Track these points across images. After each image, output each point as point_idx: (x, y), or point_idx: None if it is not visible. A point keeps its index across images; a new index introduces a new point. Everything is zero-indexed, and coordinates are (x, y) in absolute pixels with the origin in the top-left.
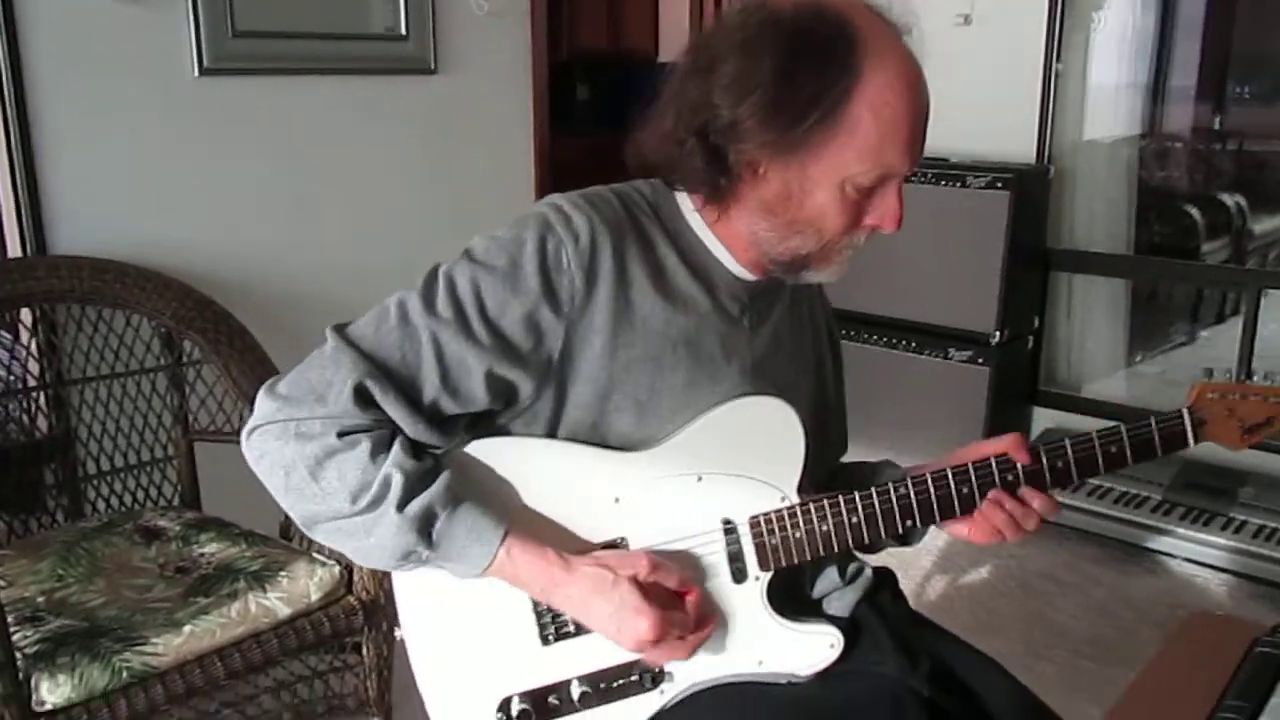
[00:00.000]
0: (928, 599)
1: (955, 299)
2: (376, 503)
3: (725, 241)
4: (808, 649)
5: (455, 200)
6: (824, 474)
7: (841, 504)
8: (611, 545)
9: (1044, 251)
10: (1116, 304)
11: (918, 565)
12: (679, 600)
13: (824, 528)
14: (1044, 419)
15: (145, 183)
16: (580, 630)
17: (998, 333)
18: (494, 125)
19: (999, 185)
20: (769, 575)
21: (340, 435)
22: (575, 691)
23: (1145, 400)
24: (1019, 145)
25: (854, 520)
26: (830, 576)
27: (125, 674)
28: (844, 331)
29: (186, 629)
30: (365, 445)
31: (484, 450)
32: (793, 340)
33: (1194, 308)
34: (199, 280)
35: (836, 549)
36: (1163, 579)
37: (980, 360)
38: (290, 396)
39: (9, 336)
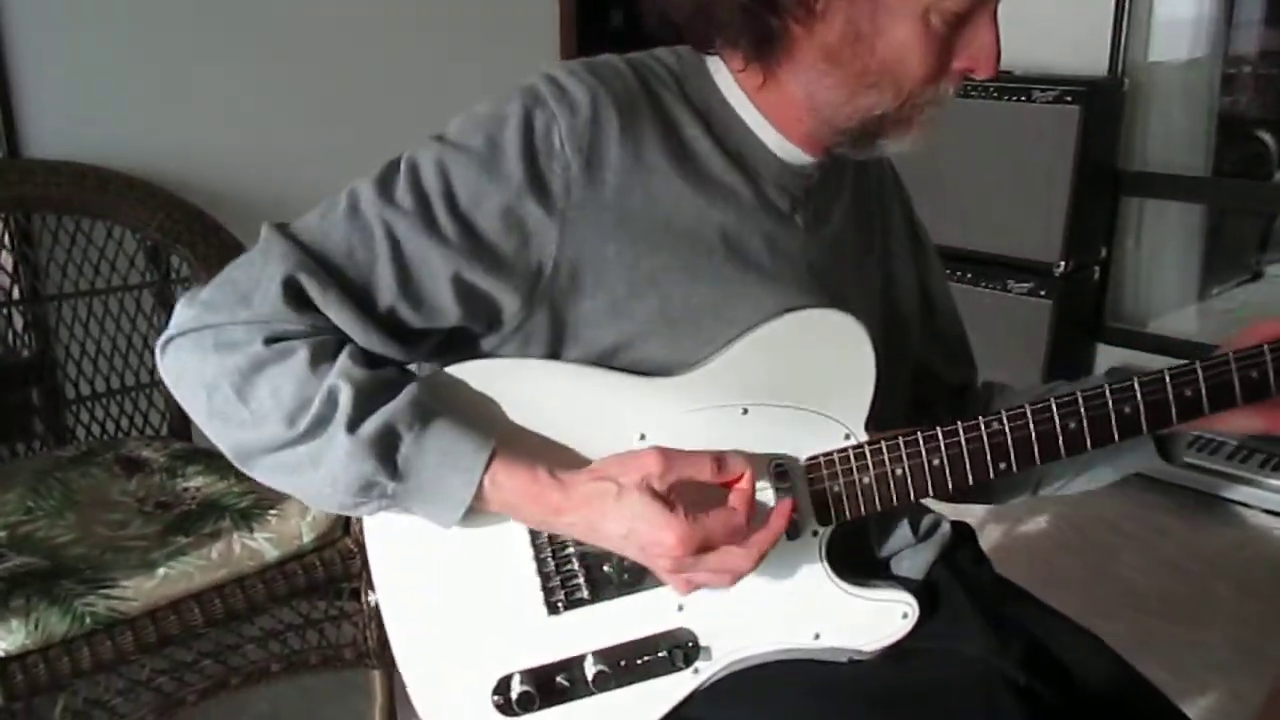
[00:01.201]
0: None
1: (1016, 226)
2: (320, 423)
3: (771, 115)
4: (875, 619)
5: None
6: (906, 408)
7: (921, 442)
8: None
9: (1115, 174)
10: (1190, 233)
11: (970, 514)
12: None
13: (898, 471)
14: (1109, 357)
15: (129, 79)
16: (597, 596)
17: (1062, 263)
18: (518, 45)
19: (1068, 100)
20: (829, 530)
21: (268, 342)
22: (590, 670)
23: (1219, 338)
24: (1089, 58)
25: (935, 463)
26: (900, 532)
27: (88, 619)
28: None
29: (160, 571)
30: (302, 353)
31: (467, 373)
32: (859, 244)
33: (1263, 238)
34: (189, 189)
35: (914, 497)
36: (1238, 531)
37: (1042, 293)
38: (210, 301)
39: None
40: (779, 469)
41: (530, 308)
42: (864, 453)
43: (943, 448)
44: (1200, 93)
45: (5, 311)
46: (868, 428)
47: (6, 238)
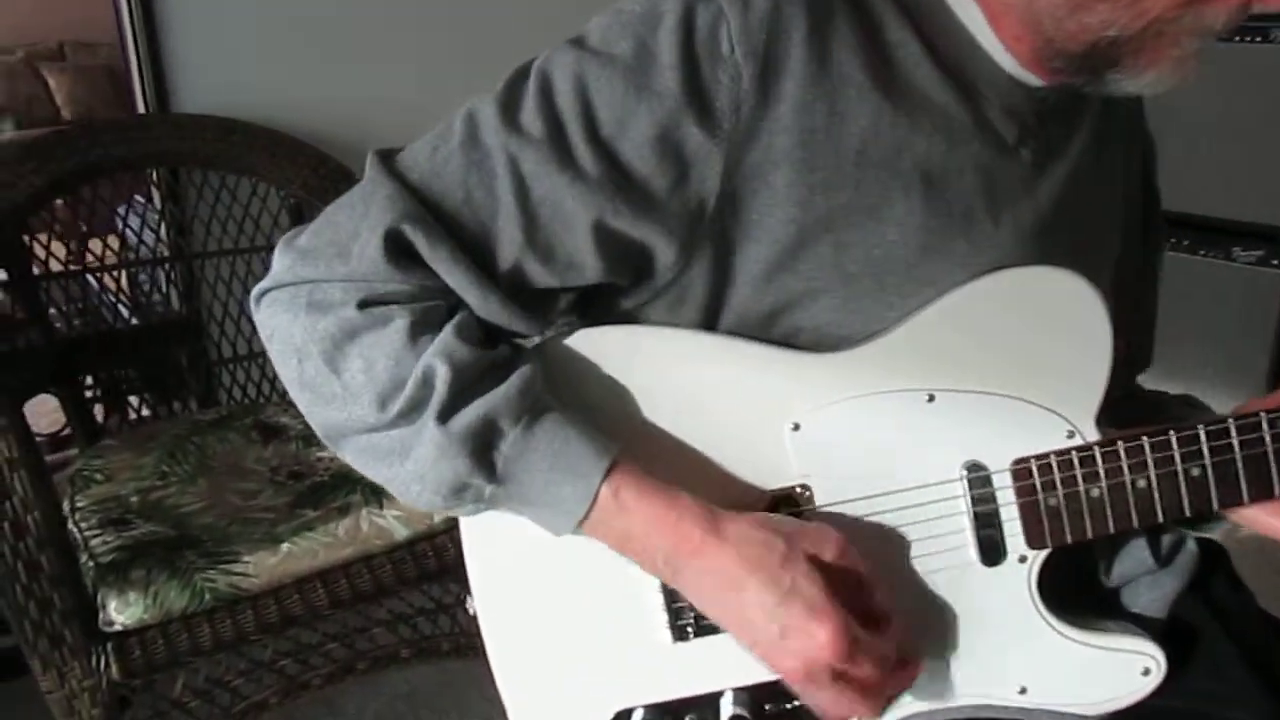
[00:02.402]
0: None
1: (1242, 184)
2: (414, 409)
3: (997, 24)
4: (1104, 674)
5: None
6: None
7: (1176, 444)
8: (785, 500)
9: None
10: None
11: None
12: (873, 618)
13: (1140, 483)
14: None
15: (277, 33)
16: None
17: None
18: None
19: None
20: (1041, 556)
21: (364, 305)
22: (726, 711)
23: None
24: None
25: (1195, 473)
26: (1135, 554)
27: (208, 595)
28: None
29: (284, 547)
30: (400, 321)
31: (589, 342)
32: (1098, 194)
33: None
34: (336, 147)
35: (1163, 518)
36: None
37: (1274, 262)
38: (308, 250)
39: (141, 201)
40: (976, 473)
41: (688, 256)
42: (1093, 456)
43: (1206, 453)
44: None
45: (155, 270)
46: (1099, 424)
47: (155, 194)
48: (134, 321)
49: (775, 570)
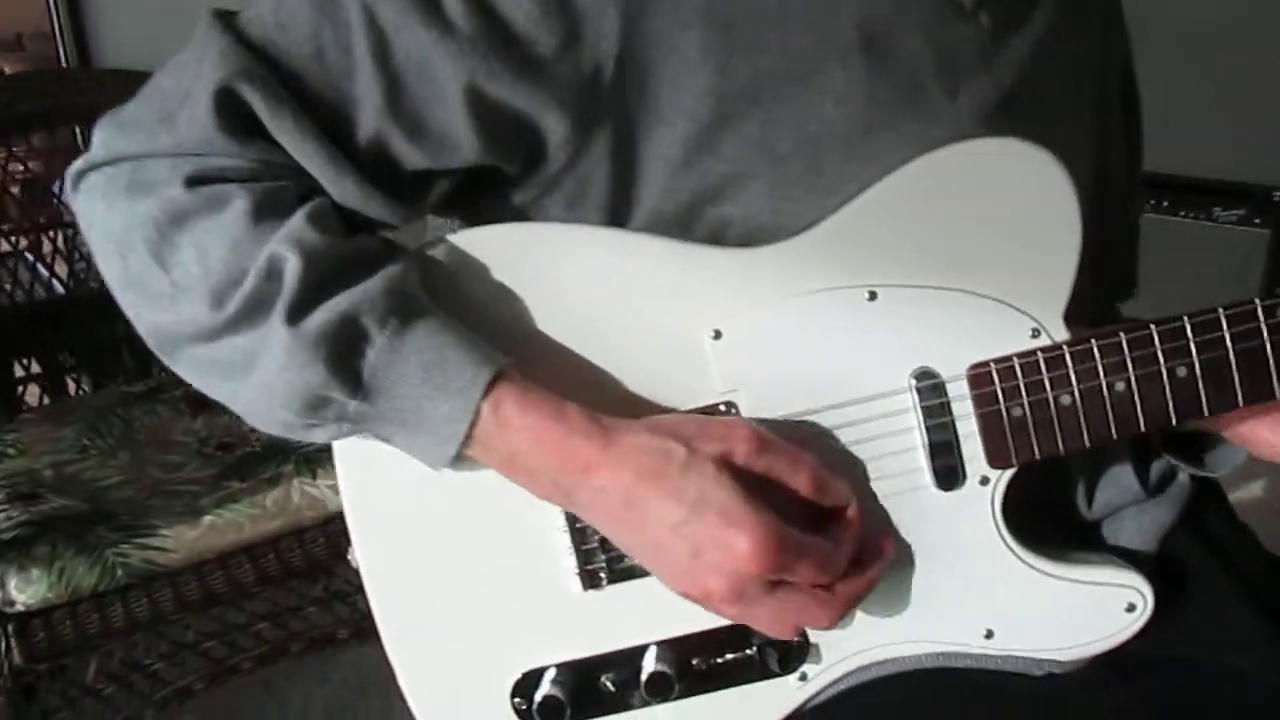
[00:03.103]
0: None
1: (1223, 140)
2: (255, 307)
3: None
4: (1083, 612)
5: None
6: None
7: (1156, 339)
8: (709, 414)
9: None
10: None
11: None
12: (820, 517)
13: (1119, 386)
14: None
15: None
16: None
17: None
18: None
19: None
20: (1006, 477)
21: (191, 183)
22: (647, 668)
23: None
24: None
25: (1181, 373)
26: (1120, 481)
27: (120, 571)
28: None
29: (206, 520)
30: (240, 203)
31: (476, 243)
32: (1071, 70)
33: None
34: None
35: (1146, 426)
36: None
37: (1256, 221)
38: (129, 121)
39: None
40: (926, 380)
41: (584, 136)
42: (1063, 357)
43: (1193, 349)
44: None
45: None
46: (1068, 322)
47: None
48: (65, 293)
49: (676, 480)
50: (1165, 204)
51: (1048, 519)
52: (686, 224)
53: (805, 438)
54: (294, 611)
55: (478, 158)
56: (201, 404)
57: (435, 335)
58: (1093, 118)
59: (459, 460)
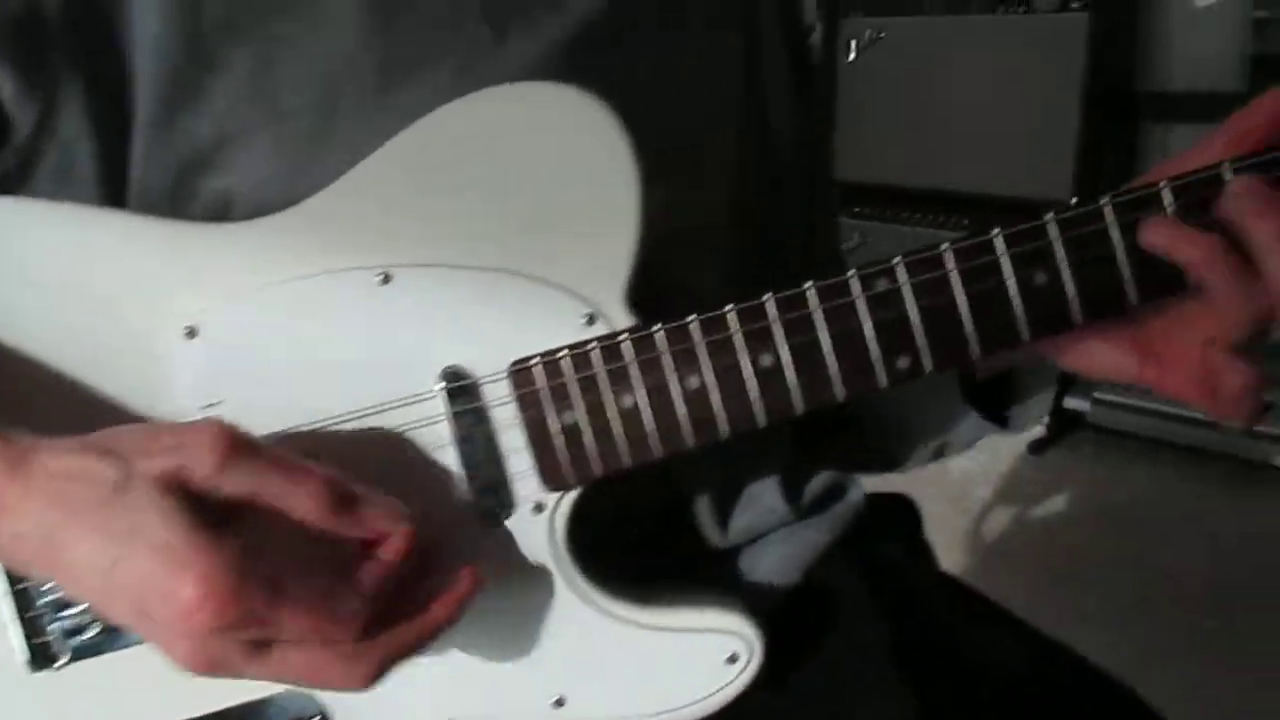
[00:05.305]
0: (986, 541)
1: (1018, 162)
2: None
3: None
4: (673, 667)
5: None
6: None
7: (735, 321)
8: None
9: (1133, 96)
10: None
11: (972, 497)
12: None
13: (693, 382)
14: None
15: None
16: (120, 638)
17: (1074, 201)
18: None
19: (1075, 5)
20: (570, 500)
21: None
22: None
23: None
24: None
25: (766, 363)
26: (763, 500)
27: None
28: (874, 211)
29: None
30: None
31: None
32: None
33: None
34: None
35: (729, 431)
36: None
37: (965, 223)
38: None
39: None
40: (456, 382)
41: (45, 95)
42: (619, 349)
43: (777, 334)
44: (1227, 9)
45: None
46: (631, 305)
47: None
48: None
49: (101, 510)
50: (965, 223)
51: (660, 549)
52: (183, 200)
53: (324, 454)
54: None
55: None
56: None
57: None
58: (746, 73)
59: None
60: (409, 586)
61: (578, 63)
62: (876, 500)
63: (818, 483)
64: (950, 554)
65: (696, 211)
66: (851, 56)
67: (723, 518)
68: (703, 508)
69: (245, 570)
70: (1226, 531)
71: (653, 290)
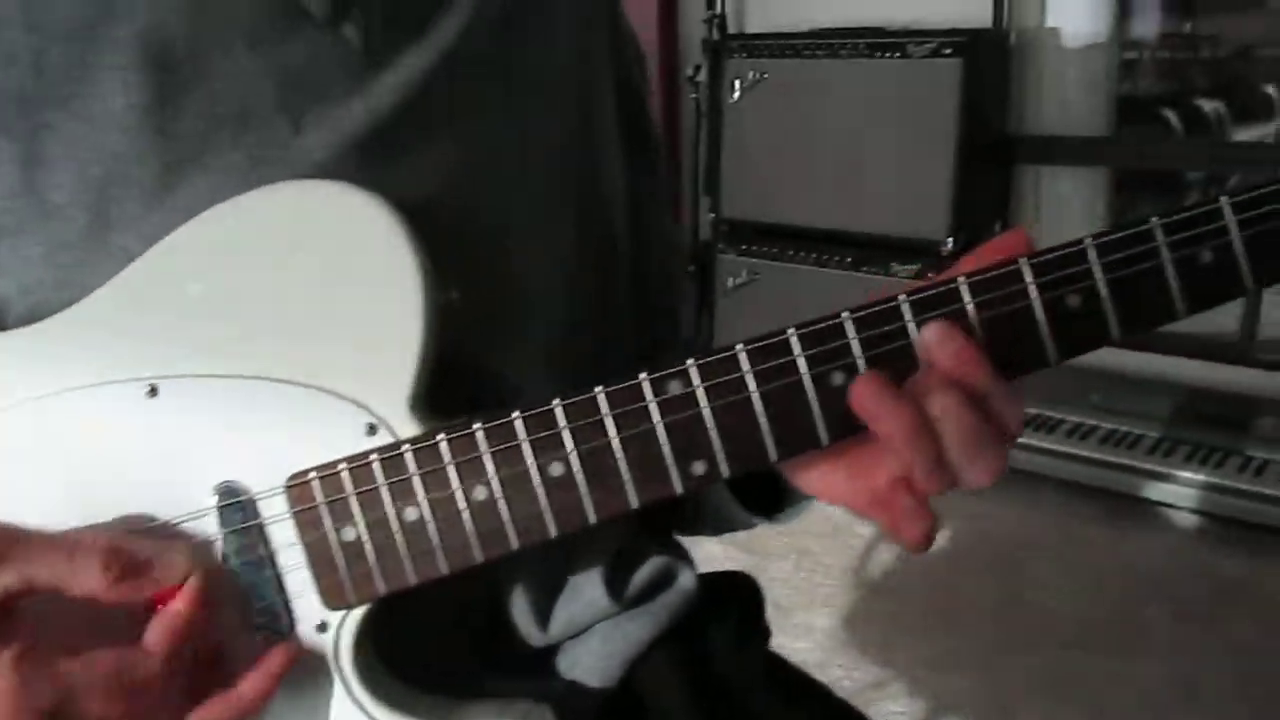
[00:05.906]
0: (870, 578)
1: (897, 201)
2: None
3: None
4: None
5: None
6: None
7: (523, 428)
8: None
9: (1006, 139)
10: (1094, 204)
11: (854, 534)
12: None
13: (479, 494)
14: None
15: None
16: None
17: (950, 240)
18: None
19: (947, 52)
20: (355, 619)
21: None
22: None
23: None
24: (971, 10)
25: (556, 473)
26: (585, 592)
27: None
28: (760, 249)
29: None
30: None
31: None
32: (513, 88)
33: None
34: None
35: (519, 544)
36: (1165, 537)
37: (930, 276)
38: None
39: None
40: (231, 499)
41: None
42: (404, 459)
43: (567, 441)
44: (1097, 53)
45: None
46: (418, 411)
47: None
48: None
49: None
50: (848, 260)
51: (476, 648)
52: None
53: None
54: None
55: None
56: None
57: None
58: (580, 148)
59: None
60: (214, 660)
61: (380, 155)
62: (715, 580)
63: (645, 571)
64: (832, 592)
65: (511, 298)
66: (736, 96)
67: (543, 613)
68: (520, 602)
69: (25, 677)
70: (1100, 566)
71: (465, 379)
